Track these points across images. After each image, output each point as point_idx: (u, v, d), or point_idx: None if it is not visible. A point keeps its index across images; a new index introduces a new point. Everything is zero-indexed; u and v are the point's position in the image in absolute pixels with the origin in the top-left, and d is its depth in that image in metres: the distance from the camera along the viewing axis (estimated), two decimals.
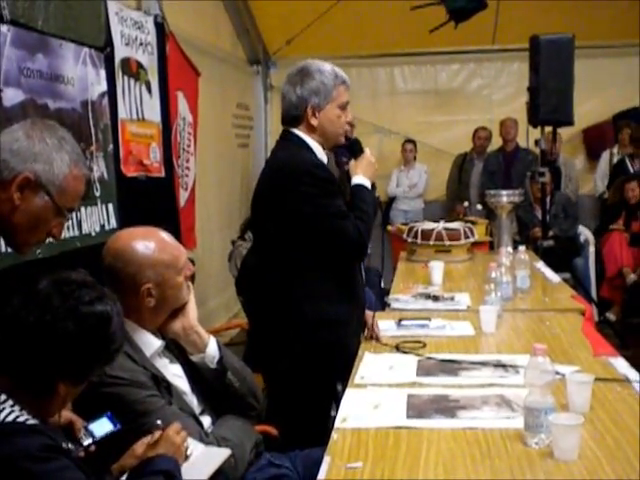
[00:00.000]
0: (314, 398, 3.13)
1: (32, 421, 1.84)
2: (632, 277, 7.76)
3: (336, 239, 3.18)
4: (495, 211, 5.50)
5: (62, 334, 1.86)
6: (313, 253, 3.19)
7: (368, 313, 3.42)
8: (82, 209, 4.30)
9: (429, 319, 3.45)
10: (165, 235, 2.59)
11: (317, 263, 3.21)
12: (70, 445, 2.04)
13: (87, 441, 2.15)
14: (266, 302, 3.31)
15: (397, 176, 9.51)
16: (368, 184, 3.35)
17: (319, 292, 3.23)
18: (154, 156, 5.46)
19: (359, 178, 3.35)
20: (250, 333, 3.53)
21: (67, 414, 2.20)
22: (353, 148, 3.45)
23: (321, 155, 3.33)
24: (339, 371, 2.88)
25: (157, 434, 2.17)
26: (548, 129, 6.17)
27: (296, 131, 3.31)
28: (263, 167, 3.52)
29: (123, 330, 2.02)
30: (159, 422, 2.20)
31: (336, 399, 2.57)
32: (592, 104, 8.81)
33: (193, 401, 2.60)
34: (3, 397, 1.85)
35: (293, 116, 3.31)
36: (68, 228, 4.08)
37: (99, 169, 4.58)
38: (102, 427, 2.18)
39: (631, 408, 2.36)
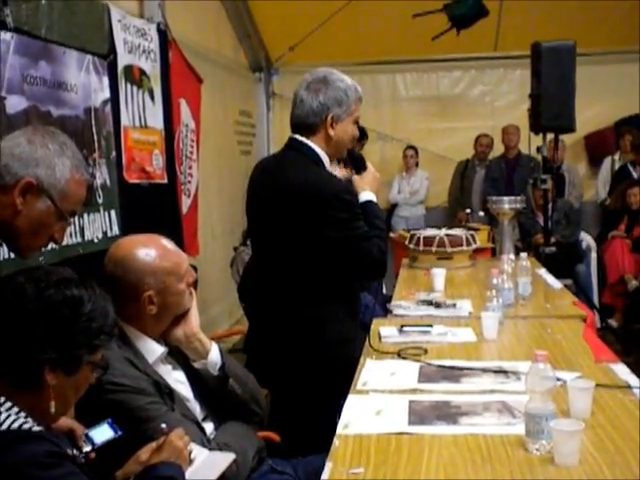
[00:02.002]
0: (318, 406, 3.14)
1: (37, 428, 1.84)
2: (634, 283, 7.76)
3: (362, 262, 3.20)
4: (497, 218, 5.49)
5: (30, 316, 1.86)
6: (331, 275, 3.21)
7: None
8: (85, 216, 4.31)
9: (431, 325, 3.45)
10: (166, 242, 2.59)
11: (331, 284, 3.24)
12: (75, 451, 2.05)
13: (87, 448, 2.15)
14: (273, 316, 3.31)
15: (398, 183, 9.53)
16: (375, 199, 3.37)
17: (332, 312, 3.26)
18: (157, 163, 5.47)
19: (368, 194, 3.36)
20: (249, 339, 3.53)
21: (67, 421, 2.21)
22: (357, 164, 3.45)
23: (329, 168, 3.33)
24: (343, 382, 2.87)
25: (161, 440, 2.17)
26: (550, 136, 6.17)
27: (307, 141, 3.28)
28: (266, 175, 3.43)
29: (106, 314, 1.97)
30: (164, 425, 2.21)
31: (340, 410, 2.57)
32: (594, 111, 8.84)
33: (196, 407, 2.60)
34: (8, 404, 1.85)
35: (310, 124, 3.26)
36: (71, 235, 4.10)
37: (102, 176, 4.60)
38: (102, 434, 2.18)
39: (632, 414, 2.36)
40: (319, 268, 3.20)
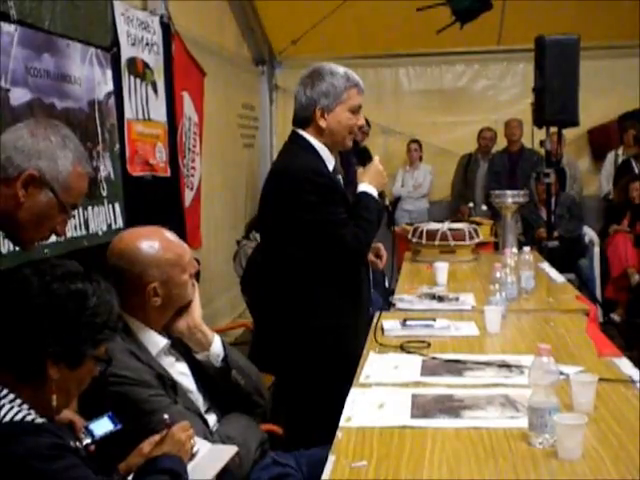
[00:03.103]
0: (320, 399, 3.14)
1: (40, 420, 1.85)
2: (637, 278, 7.75)
3: (334, 247, 3.24)
4: (500, 212, 5.49)
5: (34, 309, 1.87)
6: (315, 259, 3.24)
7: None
8: (89, 208, 4.32)
9: (434, 319, 3.45)
10: (169, 234, 2.60)
11: (320, 268, 3.26)
12: (78, 443, 2.05)
13: (87, 440, 2.15)
14: (273, 305, 3.34)
15: (402, 176, 9.52)
16: (374, 192, 3.38)
17: (325, 298, 3.28)
18: (160, 156, 5.47)
19: (365, 186, 3.38)
20: (255, 332, 3.54)
21: (68, 413, 2.21)
22: (362, 156, 3.50)
23: (328, 158, 3.35)
24: (345, 373, 2.88)
25: (164, 432, 2.18)
26: (553, 130, 6.17)
27: (304, 133, 3.35)
28: (270, 170, 3.55)
29: (110, 309, 1.99)
30: (166, 416, 2.21)
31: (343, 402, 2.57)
32: (597, 105, 8.79)
33: (199, 399, 2.61)
34: (11, 396, 1.85)
35: (303, 117, 3.35)
36: (75, 227, 4.10)
37: (105, 169, 4.60)
38: (102, 427, 2.19)
39: (635, 408, 2.36)
40: (300, 252, 3.24)
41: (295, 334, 3.26)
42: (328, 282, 3.29)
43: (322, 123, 3.30)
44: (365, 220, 3.29)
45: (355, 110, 3.34)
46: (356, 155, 3.54)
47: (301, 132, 3.36)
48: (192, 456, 2.25)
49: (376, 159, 3.48)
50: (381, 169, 3.46)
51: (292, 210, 3.22)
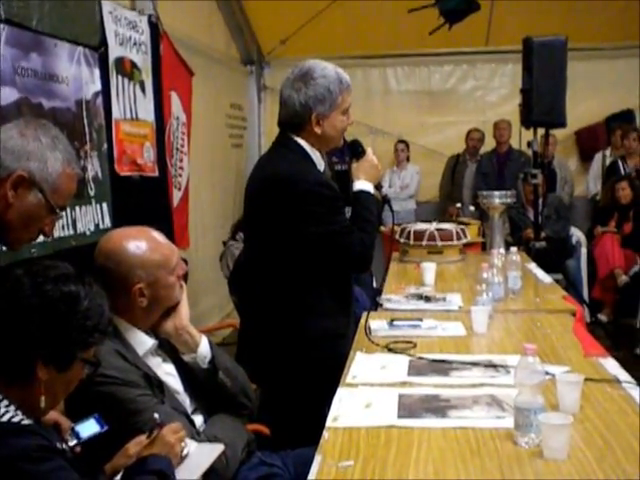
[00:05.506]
0: (309, 401, 3.13)
1: (27, 421, 1.85)
2: (623, 278, 7.78)
3: (341, 256, 3.16)
4: (487, 212, 5.50)
5: (26, 310, 1.87)
6: (315, 269, 3.17)
7: None
8: (77, 208, 4.31)
9: (421, 319, 3.45)
10: (157, 234, 2.59)
11: (318, 278, 3.19)
12: (64, 445, 2.05)
13: (72, 442, 2.15)
14: (262, 308, 3.30)
15: (389, 177, 9.52)
16: (370, 188, 3.30)
17: (320, 307, 3.23)
18: (148, 156, 5.47)
19: (361, 183, 3.29)
20: (241, 333, 3.52)
21: (54, 414, 2.21)
22: (355, 149, 3.39)
23: (320, 163, 3.28)
24: (333, 375, 2.87)
25: (155, 432, 2.18)
26: (541, 131, 6.18)
27: (296, 138, 3.22)
28: (256, 170, 3.38)
29: (101, 312, 1.99)
30: (156, 416, 2.21)
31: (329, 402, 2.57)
32: (585, 106, 8.84)
33: (185, 400, 2.60)
34: None
35: (296, 123, 3.21)
36: (63, 227, 4.10)
37: (93, 168, 4.59)
38: (89, 428, 2.18)
39: (620, 408, 2.37)
40: (302, 263, 3.16)
41: (291, 346, 3.22)
42: (325, 292, 3.22)
43: (317, 130, 3.18)
44: (367, 221, 3.22)
45: (347, 111, 3.28)
46: (348, 149, 3.44)
47: (293, 136, 3.23)
48: (182, 459, 2.25)
49: (369, 151, 3.38)
50: (375, 162, 3.37)
51: (296, 222, 3.10)
